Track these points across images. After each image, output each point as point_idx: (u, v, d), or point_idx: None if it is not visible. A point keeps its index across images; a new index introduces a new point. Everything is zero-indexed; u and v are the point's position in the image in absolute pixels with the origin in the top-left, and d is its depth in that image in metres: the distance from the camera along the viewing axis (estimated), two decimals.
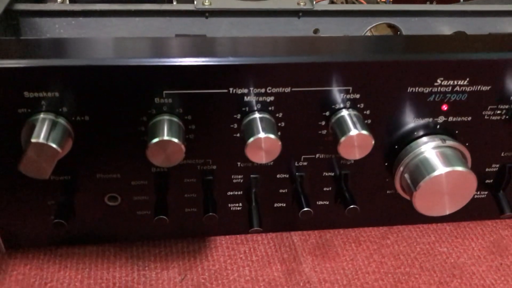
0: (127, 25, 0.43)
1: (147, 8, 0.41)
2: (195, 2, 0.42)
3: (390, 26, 0.49)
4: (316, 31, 0.46)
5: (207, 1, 0.42)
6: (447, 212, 0.37)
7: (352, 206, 0.39)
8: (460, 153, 0.38)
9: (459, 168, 0.36)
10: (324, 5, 0.45)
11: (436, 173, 0.36)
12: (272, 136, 0.33)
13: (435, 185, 0.36)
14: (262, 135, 0.32)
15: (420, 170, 0.37)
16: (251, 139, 0.33)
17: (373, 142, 0.34)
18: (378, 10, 0.47)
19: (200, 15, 0.43)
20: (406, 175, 0.38)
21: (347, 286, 0.40)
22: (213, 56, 0.33)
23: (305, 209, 0.38)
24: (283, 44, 0.37)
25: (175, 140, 0.32)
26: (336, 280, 0.41)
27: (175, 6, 0.42)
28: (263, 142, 0.33)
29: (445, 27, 0.49)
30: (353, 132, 0.34)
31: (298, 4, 0.44)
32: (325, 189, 0.41)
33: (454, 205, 0.37)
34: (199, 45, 0.35)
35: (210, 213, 0.37)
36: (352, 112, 0.35)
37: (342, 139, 0.34)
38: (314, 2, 0.44)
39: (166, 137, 0.32)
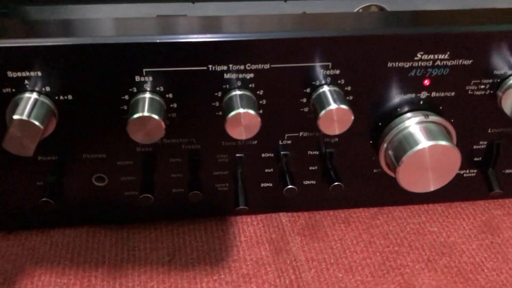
0: (115, 11, 0.44)
1: None
2: None
3: (380, 8, 0.49)
4: (303, 13, 0.47)
5: None
6: (432, 188, 0.37)
7: (336, 184, 0.39)
8: (444, 129, 0.38)
9: (442, 142, 0.36)
10: None
11: (418, 147, 0.36)
12: (251, 111, 0.33)
13: (418, 159, 0.36)
14: (241, 110, 0.33)
15: (403, 146, 0.37)
16: (230, 114, 0.33)
17: (352, 117, 0.34)
18: None
19: (185, 0, 0.44)
20: (390, 152, 0.38)
21: (334, 265, 0.40)
22: (190, 33, 0.33)
23: (290, 186, 0.39)
24: (262, 21, 0.37)
25: (155, 116, 0.32)
26: (323, 259, 0.41)
27: None
28: (242, 118, 0.33)
29: (434, 7, 0.49)
30: (332, 106, 0.34)
31: None
32: (311, 168, 0.41)
33: (439, 180, 0.37)
34: (179, 24, 0.36)
35: (195, 191, 0.38)
36: (332, 88, 0.35)
37: (322, 113, 0.34)
38: None
39: (146, 113, 0.32)
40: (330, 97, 0.34)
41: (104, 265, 0.40)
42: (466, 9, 0.43)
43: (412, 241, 0.42)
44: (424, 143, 0.36)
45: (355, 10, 0.47)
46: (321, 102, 0.35)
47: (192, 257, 0.41)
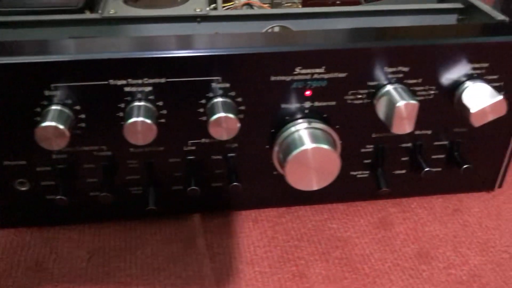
0: (40, 35, 0.48)
1: (56, 19, 0.47)
2: (99, 11, 0.48)
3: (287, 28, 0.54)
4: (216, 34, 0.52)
5: (112, 10, 0.48)
6: (315, 187, 0.42)
7: (234, 184, 0.44)
8: (326, 134, 0.42)
9: (322, 145, 0.40)
10: (219, 11, 0.51)
11: (301, 149, 0.40)
12: (147, 120, 0.38)
13: (301, 160, 0.41)
14: (135, 119, 0.37)
15: (289, 148, 0.41)
16: (127, 122, 0.37)
17: (238, 124, 0.39)
18: (272, 14, 0.52)
19: (107, 23, 0.49)
20: (280, 154, 0.43)
21: (238, 258, 0.45)
22: (92, 52, 0.38)
23: (193, 187, 0.43)
24: (160, 40, 0.42)
25: (60, 126, 0.37)
26: (229, 253, 0.45)
27: (83, 15, 0.48)
28: (139, 126, 0.38)
29: (338, 27, 0.54)
30: (220, 114, 0.38)
31: (195, 10, 0.49)
32: (216, 171, 0.45)
33: (321, 180, 0.42)
34: (84, 44, 0.40)
35: (105, 193, 0.42)
36: (223, 99, 0.40)
37: (210, 120, 0.38)
38: (208, 8, 0.49)
39: (51, 123, 0.37)
40: (219, 107, 0.39)
41: (26, 262, 0.43)
42: (360, 28, 0.48)
43: (311, 237, 0.47)
44: (305, 145, 0.41)
45: (264, 30, 0.52)
46: (212, 111, 0.39)
47: (109, 255, 0.45)
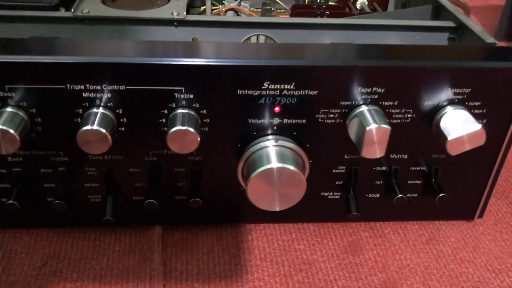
0: (14, 30, 0.47)
1: (25, 15, 0.45)
2: (72, 10, 0.46)
3: (269, 38, 0.52)
4: (194, 40, 0.50)
5: (85, 9, 0.46)
6: (278, 208, 0.40)
7: (194, 199, 0.42)
8: (294, 153, 0.40)
9: (287, 166, 0.38)
10: (196, 16, 0.49)
11: (265, 167, 0.38)
12: (101, 130, 0.36)
13: (265, 178, 0.39)
14: (89, 127, 0.36)
15: (254, 165, 0.39)
16: (81, 130, 0.36)
17: (198, 138, 0.37)
18: (255, 22, 0.50)
19: (80, 22, 0.47)
20: (244, 171, 0.41)
21: (195, 275, 0.43)
22: (49, 54, 0.36)
23: (150, 200, 0.41)
24: (121, 46, 0.40)
25: (10, 130, 0.35)
26: (186, 269, 0.43)
27: (54, 13, 0.46)
28: (92, 134, 0.36)
29: (324, 39, 0.52)
30: (178, 127, 0.37)
31: (172, 14, 0.47)
32: (179, 184, 0.44)
33: (284, 202, 0.40)
34: (44, 45, 0.39)
35: (58, 201, 0.40)
36: (185, 111, 0.38)
37: (169, 132, 0.37)
38: (185, 13, 0.47)
39: (1, 127, 0.35)
40: (179, 119, 0.37)
41: None
42: (336, 43, 0.46)
43: (275, 257, 0.45)
44: (271, 164, 0.39)
45: (243, 39, 0.50)
46: (172, 123, 0.37)
47: (62, 264, 0.43)
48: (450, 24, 0.52)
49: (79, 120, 0.38)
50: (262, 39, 0.52)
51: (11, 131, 0.35)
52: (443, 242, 0.48)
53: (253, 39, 0.50)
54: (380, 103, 0.40)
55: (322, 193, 0.46)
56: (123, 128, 0.39)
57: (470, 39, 0.50)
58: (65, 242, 0.45)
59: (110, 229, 0.47)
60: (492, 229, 0.49)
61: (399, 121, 0.41)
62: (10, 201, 0.40)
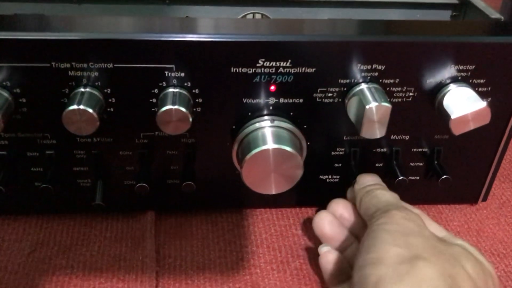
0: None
1: None
2: None
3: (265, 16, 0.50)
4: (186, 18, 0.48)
5: None
6: (274, 191, 0.38)
7: (187, 183, 0.40)
8: (290, 134, 0.39)
9: (283, 147, 0.37)
10: None
11: (259, 149, 0.37)
12: (88, 109, 0.34)
13: (261, 160, 0.37)
14: (74, 107, 0.34)
15: (249, 147, 0.38)
16: (67, 109, 0.34)
17: (190, 118, 0.35)
18: (248, 0, 0.48)
19: (68, 1, 0.45)
20: (239, 153, 0.39)
21: (189, 262, 0.41)
22: (34, 31, 0.34)
23: (142, 184, 0.40)
24: (110, 21, 0.38)
25: None
26: (180, 256, 0.42)
27: None
28: (79, 114, 0.34)
29: (321, 17, 0.50)
30: (169, 106, 0.35)
31: None
32: (172, 167, 0.42)
33: (281, 185, 0.38)
34: (29, 21, 0.37)
35: (46, 185, 0.39)
36: (176, 90, 0.36)
37: (159, 112, 0.35)
38: None
39: None
40: (170, 99, 0.36)
41: None
42: (335, 19, 0.44)
43: (272, 243, 0.43)
44: (266, 145, 0.37)
45: (239, 17, 0.48)
46: (162, 103, 0.36)
47: (52, 251, 0.42)
48: (453, 0, 0.51)
49: (66, 100, 0.37)
50: (257, 17, 0.50)
51: None
52: (446, 226, 0.46)
53: (249, 18, 0.49)
54: (381, 81, 0.38)
55: (320, 176, 0.44)
56: (111, 109, 0.38)
57: (474, 16, 0.48)
58: (54, 229, 0.43)
59: (100, 214, 0.45)
60: (497, 213, 0.48)
61: (400, 100, 0.39)
62: None
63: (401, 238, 0.33)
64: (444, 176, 0.43)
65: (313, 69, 0.37)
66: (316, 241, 0.43)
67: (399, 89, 0.39)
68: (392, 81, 0.38)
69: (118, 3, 0.47)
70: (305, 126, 0.40)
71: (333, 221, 0.41)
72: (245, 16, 0.48)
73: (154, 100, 0.37)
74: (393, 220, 0.35)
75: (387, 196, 0.39)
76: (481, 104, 0.37)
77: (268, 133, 0.38)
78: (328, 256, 0.39)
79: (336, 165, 0.43)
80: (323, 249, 0.40)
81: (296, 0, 0.49)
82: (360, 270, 0.32)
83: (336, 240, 0.40)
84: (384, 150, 0.43)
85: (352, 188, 0.42)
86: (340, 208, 0.41)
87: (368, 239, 0.34)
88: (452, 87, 0.39)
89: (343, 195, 0.44)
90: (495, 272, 0.35)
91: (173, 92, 0.36)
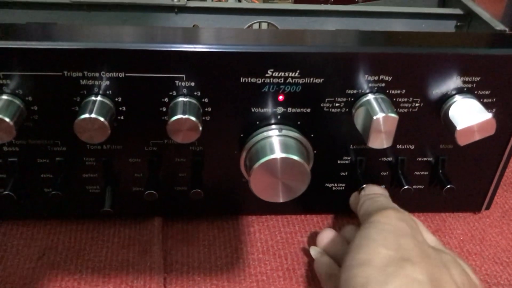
0: (9, 16, 0.46)
1: (24, 0, 0.44)
2: None
3: (272, 25, 0.51)
4: (195, 27, 0.48)
5: None
6: (280, 200, 0.39)
7: (195, 190, 0.41)
8: (298, 143, 0.39)
9: (291, 156, 0.37)
10: (197, 2, 0.47)
11: (268, 158, 0.37)
12: (100, 118, 0.35)
13: (268, 169, 0.37)
14: (86, 116, 0.34)
15: (257, 155, 0.38)
16: (78, 118, 0.34)
17: (200, 127, 0.36)
18: (258, 9, 0.49)
19: (78, 8, 0.46)
20: (247, 161, 0.40)
21: (196, 268, 0.42)
22: (46, 40, 0.35)
23: (150, 191, 0.40)
24: (120, 31, 0.39)
25: (6, 118, 0.34)
26: (187, 262, 0.42)
27: None
28: (91, 123, 0.35)
29: (328, 27, 0.51)
30: (179, 116, 0.35)
31: (173, 0, 0.46)
32: (180, 174, 0.42)
33: (288, 193, 0.39)
34: (43, 30, 0.37)
35: (56, 192, 0.39)
36: (187, 100, 0.37)
37: (170, 120, 0.35)
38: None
39: None
40: (180, 108, 0.36)
41: None
42: (342, 30, 0.44)
43: (278, 250, 0.44)
44: (274, 154, 0.37)
45: (246, 26, 0.49)
46: (173, 112, 0.36)
47: (61, 256, 0.42)
48: (458, 11, 0.51)
49: (77, 108, 0.37)
50: (264, 26, 0.50)
51: (7, 119, 0.34)
52: (450, 234, 0.47)
53: (255, 27, 0.49)
54: (387, 91, 0.39)
55: (326, 184, 0.45)
56: (122, 117, 0.38)
57: (479, 27, 0.48)
58: (63, 234, 0.44)
59: (109, 220, 0.45)
60: (500, 221, 0.48)
61: (406, 110, 0.40)
62: (6, 192, 0.39)
63: (392, 239, 0.33)
64: (448, 186, 0.43)
65: (321, 80, 0.38)
66: None
67: (406, 99, 0.39)
68: (398, 91, 0.39)
69: (127, 10, 0.47)
70: (312, 135, 0.40)
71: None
72: (252, 25, 0.49)
73: (164, 109, 0.38)
74: (387, 219, 0.35)
75: (388, 204, 0.39)
76: (487, 115, 0.38)
77: (276, 142, 0.39)
78: (321, 260, 0.40)
79: (342, 173, 0.44)
80: (312, 252, 0.41)
81: (303, 9, 0.49)
82: (348, 270, 0.32)
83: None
84: (390, 159, 0.43)
85: (357, 194, 0.43)
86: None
87: (359, 238, 0.34)
88: (458, 98, 0.39)
89: (348, 203, 0.45)
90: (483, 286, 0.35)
91: (183, 101, 0.37)
